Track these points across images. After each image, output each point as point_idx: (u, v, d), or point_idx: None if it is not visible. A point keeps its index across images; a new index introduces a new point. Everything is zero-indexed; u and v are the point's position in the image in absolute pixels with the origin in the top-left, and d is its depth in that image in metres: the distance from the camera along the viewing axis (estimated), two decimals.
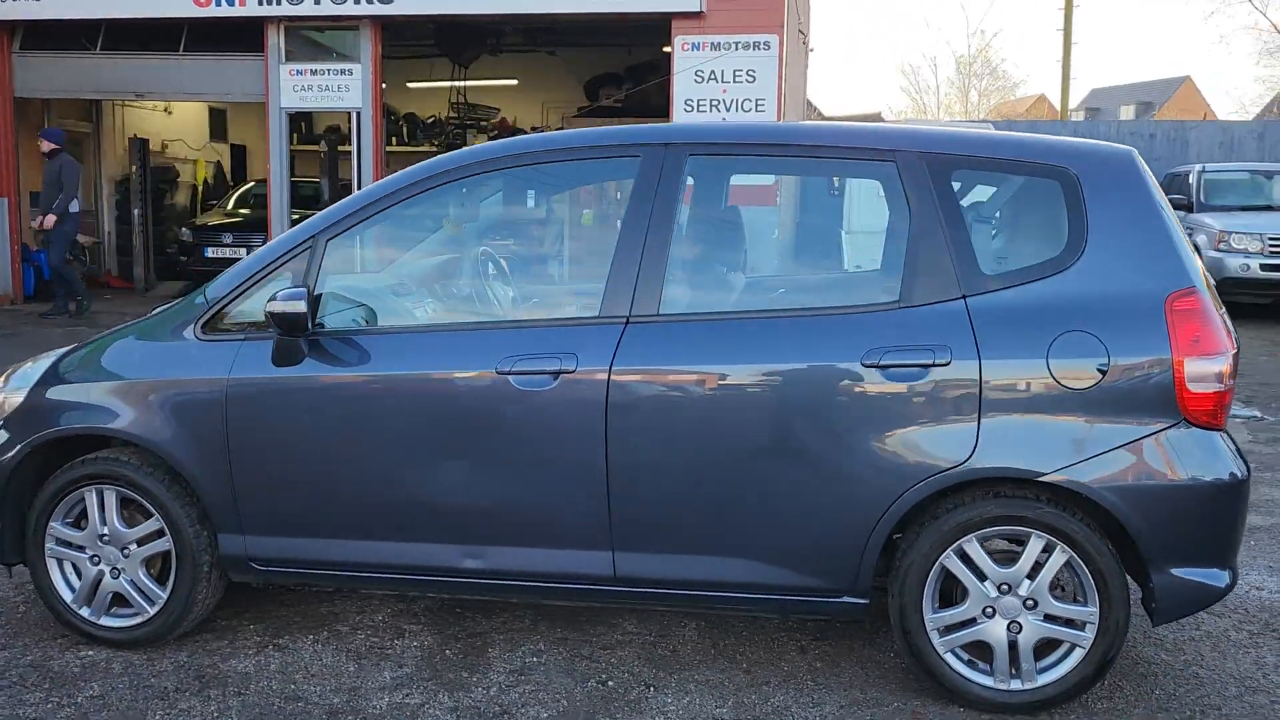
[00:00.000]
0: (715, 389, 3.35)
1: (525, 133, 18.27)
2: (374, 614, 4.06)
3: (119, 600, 3.78)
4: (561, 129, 17.69)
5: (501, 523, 3.48)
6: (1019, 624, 3.28)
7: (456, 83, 18.20)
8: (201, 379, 3.62)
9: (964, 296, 3.27)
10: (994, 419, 3.20)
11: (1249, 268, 12.44)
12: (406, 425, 3.49)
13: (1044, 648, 3.31)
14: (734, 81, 12.00)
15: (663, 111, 12.81)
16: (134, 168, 15.19)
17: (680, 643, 3.83)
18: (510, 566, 3.52)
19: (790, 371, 3.31)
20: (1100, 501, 3.17)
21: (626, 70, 18.16)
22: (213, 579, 3.73)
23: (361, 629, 3.93)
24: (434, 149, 18.37)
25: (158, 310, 3.96)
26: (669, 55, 12.67)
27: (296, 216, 13.79)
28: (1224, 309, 3.32)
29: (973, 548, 3.27)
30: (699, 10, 11.94)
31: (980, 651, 3.34)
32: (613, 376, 3.35)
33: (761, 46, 11.91)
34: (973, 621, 3.31)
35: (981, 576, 3.28)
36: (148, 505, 3.68)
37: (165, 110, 17.09)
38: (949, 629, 3.33)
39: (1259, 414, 7.71)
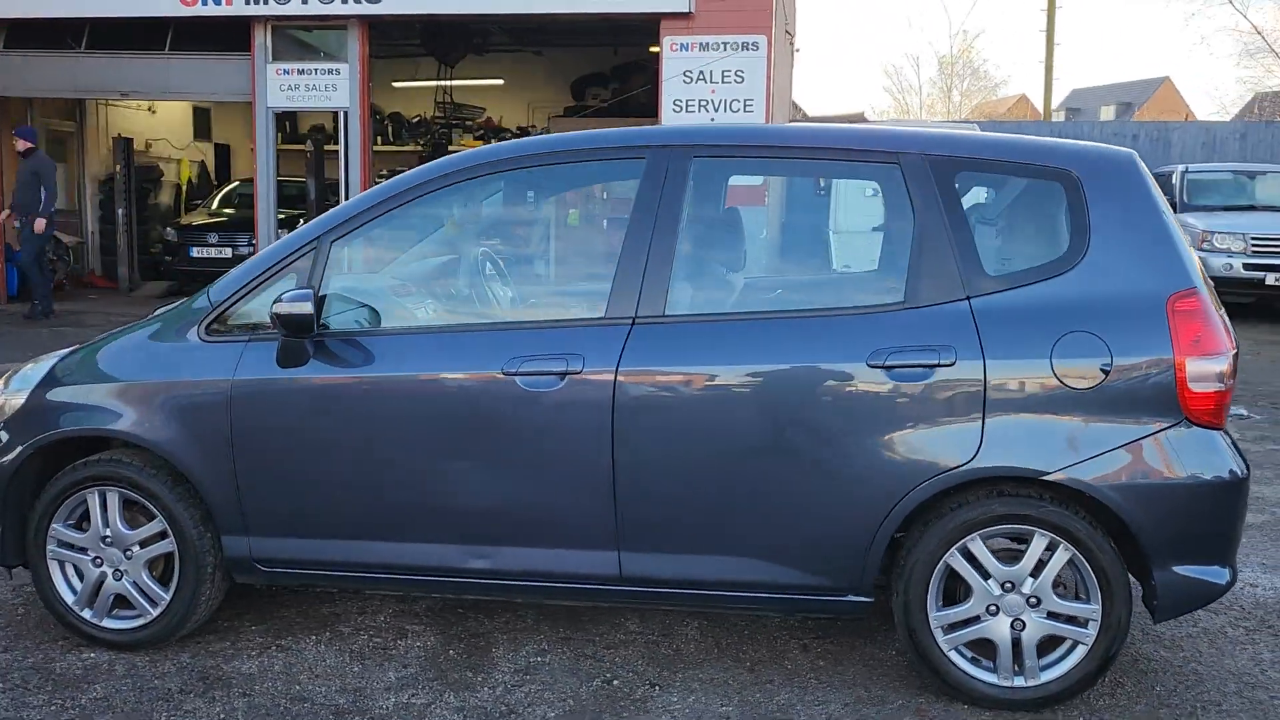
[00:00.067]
0: (721, 389, 3.37)
1: (511, 132, 18.37)
2: (375, 615, 4.06)
3: (121, 602, 3.77)
4: (547, 129, 17.76)
5: (507, 523, 3.49)
6: (1022, 621, 3.31)
7: (442, 82, 18.17)
8: (206, 380, 3.61)
9: (968, 297, 3.30)
10: (998, 419, 3.23)
11: (1232, 267, 12.54)
12: (412, 426, 3.50)
13: (1047, 645, 3.34)
14: (722, 82, 12.03)
15: (649, 112, 12.84)
16: (118, 167, 15.10)
17: (683, 641, 3.84)
18: (516, 566, 3.52)
19: (796, 372, 3.33)
20: (1103, 500, 3.21)
21: (612, 70, 18.17)
22: (216, 580, 3.72)
23: (364, 630, 3.93)
24: (419, 148, 18.34)
25: (159, 311, 3.95)
26: (655, 56, 12.69)
27: (282, 216, 13.75)
28: (1223, 309, 3.36)
29: (977, 546, 3.30)
30: (688, 11, 11.95)
31: (984, 649, 3.37)
32: (619, 377, 3.36)
33: (750, 47, 11.93)
34: (977, 619, 3.34)
35: (985, 575, 3.31)
36: (151, 507, 3.67)
37: (149, 109, 16.99)
38: (953, 627, 3.35)
39: (1245, 412, 7.79)
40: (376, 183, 14.31)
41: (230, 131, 18.96)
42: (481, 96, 18.97)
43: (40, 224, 11.85)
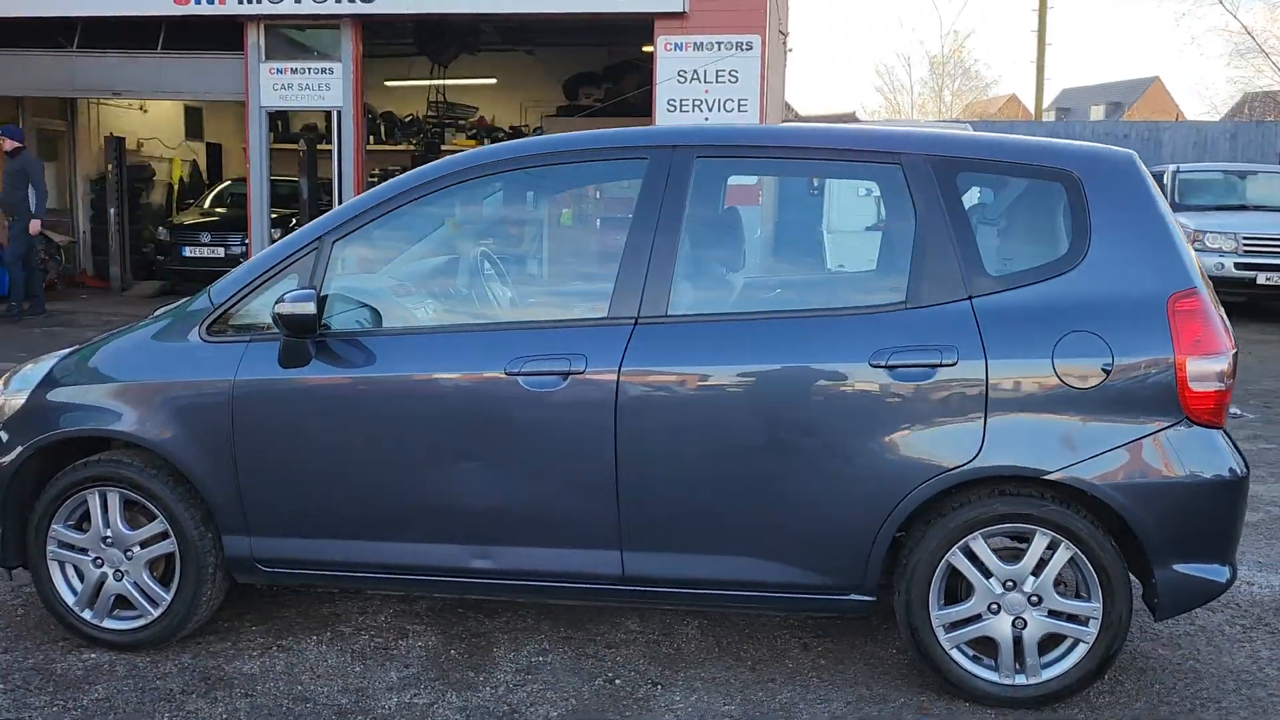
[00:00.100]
0: (724, 389, 3.37)
1: (504, 132, 18.35)
2: (376, 615, 4.06)
3: (121, 603, 3.76)
4: (540, 128, 17.74)
5: (510, 523, 3.49)
6: (1024, 620, 3.32)
7: (435, 81, 18.14)
8: (207, 380, 3.61)
9: (970, 297, 3.31)
10: (1000, 418, 3.25)
11: (1224, 266, 12.60)
12: (414, 426, 3.50)
13: (1048, 643, 3.35)
14: (716, 82, 12.04)
15: (642, 111, 12.83)
16: (110, 166, 15.04)
17: (684, 641, 3.85)
18: (518, 566, 3.53)
19: (798, 372, 3.34)
20: (1105, 499, 3.22)
21: (605, 70, 18.16)
22: (217, 580, 3.72)
23: (365, 630, 3.93)
24: (412, 148, 18.31)
25: (159, 311, 3.95)
26: (648, 55, 12.69)
27: (275, 216, 13.72)
28: (1222, 309, 3.38)
29: (978, 545, 3.31)
30: (682, 10, 11.97)
31: (985, 647, 3.39)
32: (622, 377, 3.37)
33: (744, 47, 11.95)
34: (978, 618, 3.35)
35: (987, 573, 3.33)
36: (151, 507, 3.67)
37: (140, 108, 16.93)
38: (955, 625, 3.37)
39: (1237, 411, 7.82)
40: (369, 182, 14.33)
41: (222, 131, 18.91)
42: (474, 96, 18.95)
43: (35, 225, 11.83)
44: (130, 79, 13.59)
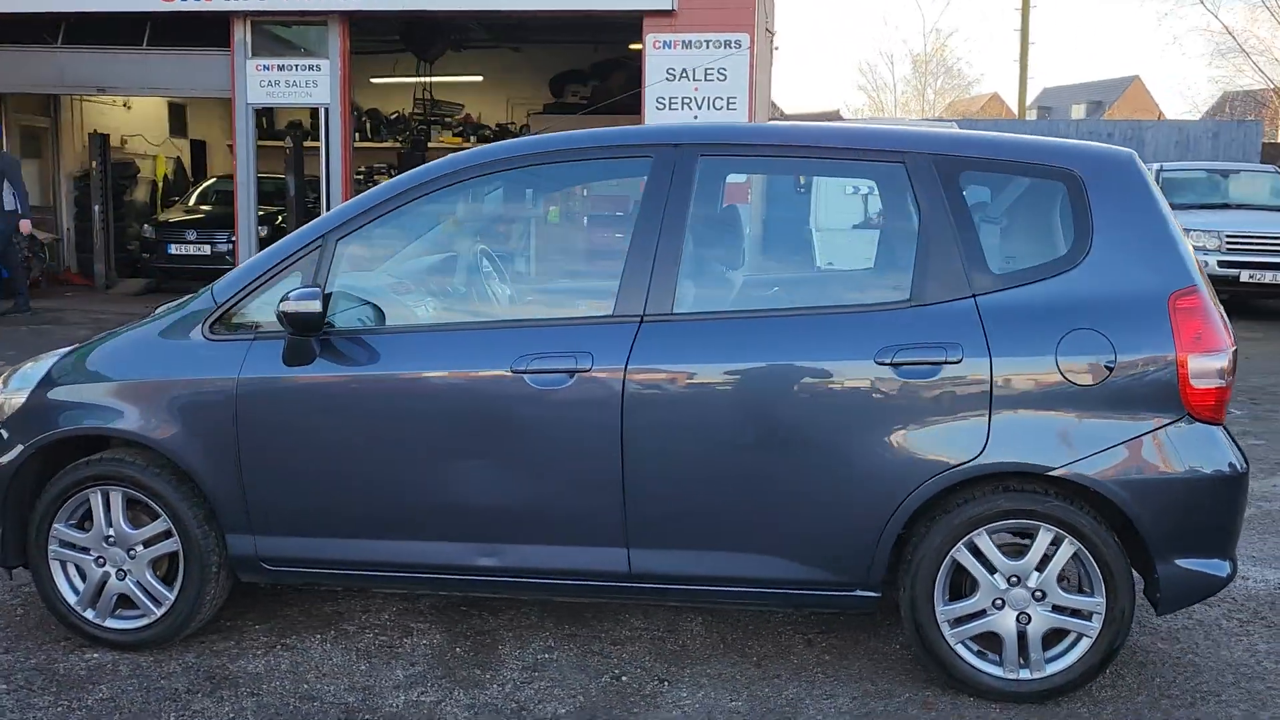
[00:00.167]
0: (730, 387, 3.39)
1: (490, 129, 18.31)
2: (379, 613, 4.06)
3: (124, 602, 3.75)
4: (527, 126, 17.72)
5: (516, 520, 3.50)
6: (1028, 615, 3.35)
7: (421, 79, 18.10)
8: (210, 379, 3.60)
9: (974, 295, 3.33)
10: (1004, 415, 3.27)
11: (1207, 265, 12.70)
12: (420, 424, 3.50)
13: (1052, 638, 3.38)
14: (705, 80, 12.06)
15: (630, 109, 12.84)
16: (94, 163, 14.93)
17: (688, 637, 3.87)
18: (525, 564, 3.53)
19: (804, 369, 3.35)
20: (1108, 495, 3.25)
21: (591, 68, 18.16)
22: (220, 579, 3.71)
23: (369, 628, 3.93)
24: (398, 145, 18.26)
25: (160, 309, 3.93)
26: (635, 53, 12.69)
27: (261, 213, 13.66)
28: (1222, 307, 3.42)
29: (983, 541, 3.34)
30: (670, 9, 11.98)
31: (990, 642, 3.41)
32: (628, 375, 3.38)
33: (733, 45, 11.97)
34: (983, 613, 3.38)
35: (991, 569, 3.35)
36: (154, 506, 3.65)
37: (124, 105, 16.82)
38: (959, 621, 3.39)
39: None
40: (355, 180, 14.29)
41: (206, 128, 18.81)
42: (460, 93, 18.92)
43: (26, 225, 11.75)
44: (116, 75, 13.51)
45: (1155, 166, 14.67)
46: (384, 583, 3.74)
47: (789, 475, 3.36)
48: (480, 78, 18.47)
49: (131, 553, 3.70)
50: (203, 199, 15.99)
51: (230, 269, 13.26)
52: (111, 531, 3.70)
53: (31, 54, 13.40)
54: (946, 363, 3.28)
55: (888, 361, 3.29)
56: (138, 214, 16.58)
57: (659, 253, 3.46)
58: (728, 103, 12.05)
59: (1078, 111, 53.57)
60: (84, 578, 3.76)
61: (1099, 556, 3.29)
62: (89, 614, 3.74)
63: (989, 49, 67.25)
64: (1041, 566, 3.34)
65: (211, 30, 12.91)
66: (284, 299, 3.44)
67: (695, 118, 12.02)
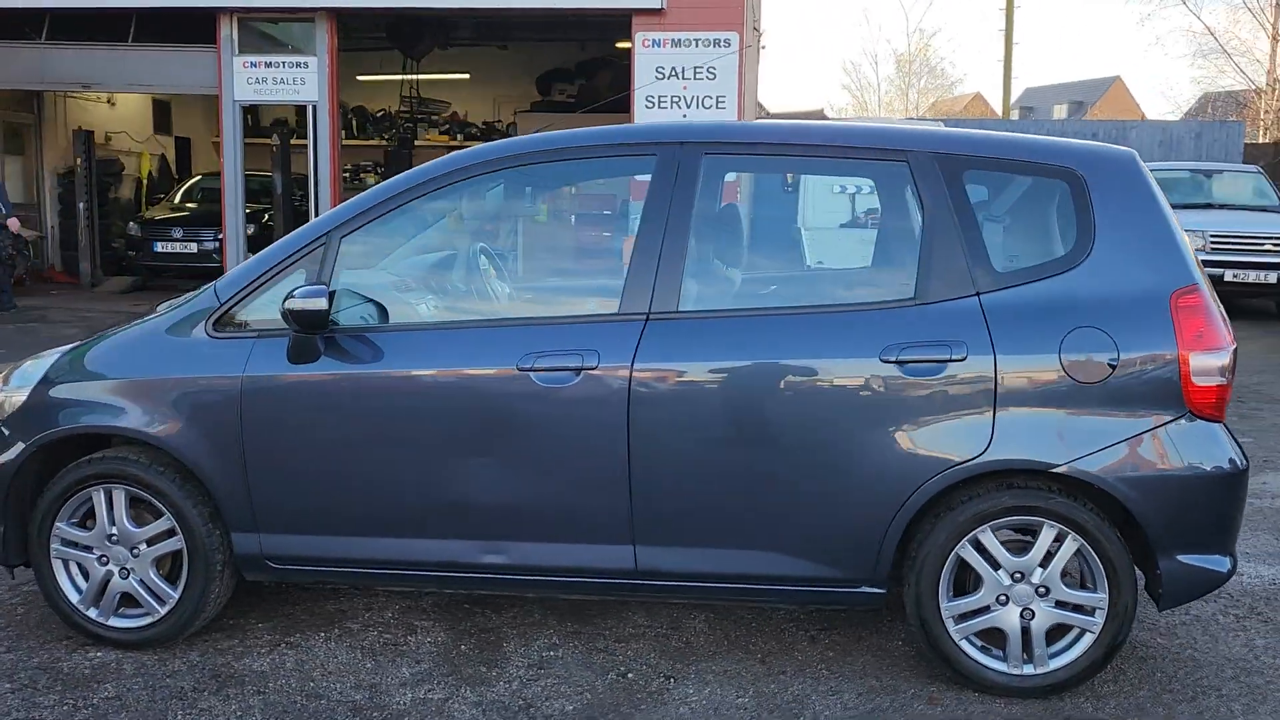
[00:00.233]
0: (736, 384, 3.40)
1: (476, 127, 18.28)
2: (382, 611, 4.06)
3: (127, 600, 3.74)
4: (513, 124, 17.70)
5: (523, 518, 3.50)
6: (1031, 611, 3.38)
7: (408, 76, 18.06)
8: (214, 377, 3.59)
9: (978, 294, 3.36)
10: (1008, 413, 3.30)
11: None
12: (426, 422, 3.50)
13: (1055, 633, 3.41)
14: (694, 78, 12.08)
15: (617, 108, 12.85)
16: (78, 160, 14.85)
17: (692, 634, 3.88)
18: (531, 561, 3.54)
19: (810, 366, 3.37)
20: (1111, 491, 3.28)
21: (577, 66, 18.16)
22: (225, 578, 3.70)
23: (372, 626, 3.93)
24: (384, 143, 18.22)
25: (162, 307, 3.91)
26: (621, 51, 12.69)
27: (248, 211, 13.60)
28: (1221, 305, 3.45)
29: (987, 537, 3.37)
30: (660, 7, 11.99)
31: (994, 638, 3.44)
32: (635, 373, 3.39)
33: (722, 44, 11.99)
34: (987, 609, 3.40)
35: (996, 565, 3.38)
36: (158, 504, 3.64)
37: (108, 102, 16.73)
38: (964, 617, 3.42)
39: None
40: (342, 178, 14.24)
41: (190, 125, 18.73)
42: (447, 91, 18.89)
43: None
44: (101, 72, 13.42)
45: None
46: (389, 581, 3.74)
47: (795, 473, 3.38)
48: (467, 75, 18.44)
49: (135, 551, 3.69)
50: (188, 196, 15.93)
51: (216, 267, 13.26)
52: (115, 530, 3.68)
53: (15, 49, 13.30)
54: (951, 360, 3.30)
55: (893, 359, 3.32)
56: (122, 211, 16.50)
57: (664, 251, 3.47)
58: (716, 101, 12.07)
59: (1060, 111, 53.88)
60: (87, 576, 3.74)
61: (1102, 552, 3.32)
62: (92, 613, 3.73)
63: (972, 49, 67.51)
64: (1045, 563, 3.36)
65: (197, 26, 12.84)
66: (289, 296, 3.44)
67: (684, 116, 12.04)
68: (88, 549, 3.72)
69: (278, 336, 3.56)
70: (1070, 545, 3.34)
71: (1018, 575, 3.37)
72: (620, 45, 14.25)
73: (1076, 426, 3.30)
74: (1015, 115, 45.20)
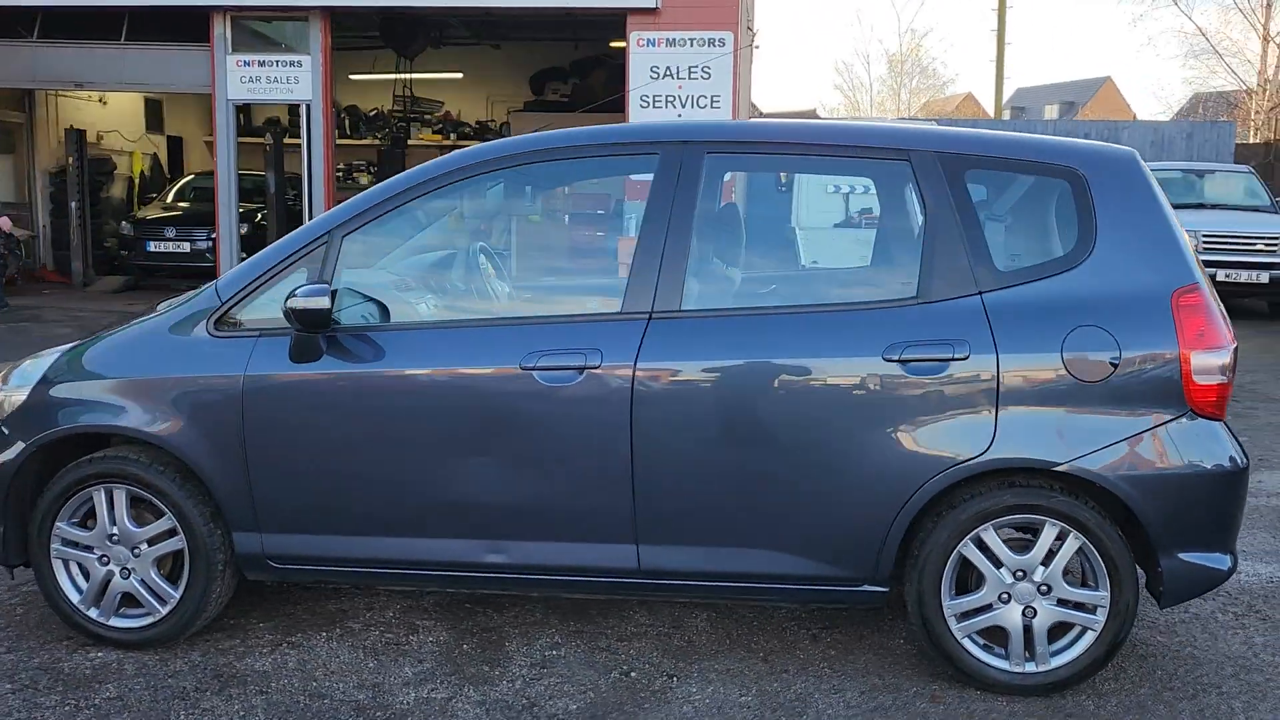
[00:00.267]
0: (737, 383, 3.41)
1: (470, 126, 18.25)
2: (383, 610, 4.05)
3: (128, 601, 3.73)
4: (507, 123, 17.67)
5: (525, 517, 3.50)
6: (1033, 609, 3.39)
7: (401, 76, 18.03)
8: (216, 376, 3.58)
9: (980, 293, 3.37)
10: (1010, 411, 3.31)
11: None
12: (429, 421, 3.50)
13: (1057, 631, 3.43)
14: (689, 78, 12.08)
15: (611, 108, 12.84)
16: (70, 159, 14.80)
17: (694, 633, 3.88)
18: (534, 561, 3.54)
19: (813, 365, 3.38)
20: (1113, 490, 3.30)
21: (571, 65, 18.15)
22: (226, 578, 3.69)
23: (374, 625, 3.92)
24: (377, 142, 18.19)
25: (162, 306, 3.90)
26: (615, 51, 12.68)
27: (241, 211, 13.56)
28: (1222, 304, 3.47)
29: (989, 536, 3.37)
30: (654, 6, 11.99)
31: (996, 636, 3.45)
32: (638, 372, 3.39)
33: (717, 43, 12.00)
34: (989, 607, 3.41)
35: (998, 564, 3.39)
36: (159, 504, 3.63)
37: (100, 101, 16.66)
38: (966, 615, 3.43)
39: None
40: (336, 178, 14.21)
41: (182, 124, 18.67)
42: (440, 90, 18.85)
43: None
44: (93, 70, 13.37)
45: None
46: (392, 580, 3.74)
47: (797, 471, 3.38)
48: (460, 75, 18.42)
49: (136, 551, 3.68)
50: (180, 196, 15.88)
51: (209, 266, 13.20)
52: (115, 530, 3.67)
53: (6, 48, 13.24)
54: (954, 359, 3.31)
55: (896, 358, 3.32)
56: (114, 211, 16.45)
57: (666, 249, 3.47)
58: (711, 101, 12.08)
59: (1050, 112, 53.97)
60: (87, 576, 3.73)
61: (1104, 551, 3.33)
62: (92, 613, 3.72)
63: (964, 49, 67.64)
64: (1047, 561, 3.38)
65: (190, 25, 12.80)
66: (291, 295, 3.43)
67: (679, 116, 12.04)
68: (88, 549, 3.71)
69: (279, 336, 3.56)
70: (1072, 543, 3.35)
71: (1020, 573, 3.38)
72: (614, 45, 14.24)
73: (1078, 425, 3.31)
74: (1007, 115, 45.32)
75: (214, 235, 13.53)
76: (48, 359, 3.84)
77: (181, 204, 15.49)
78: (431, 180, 3.67)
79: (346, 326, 3.55)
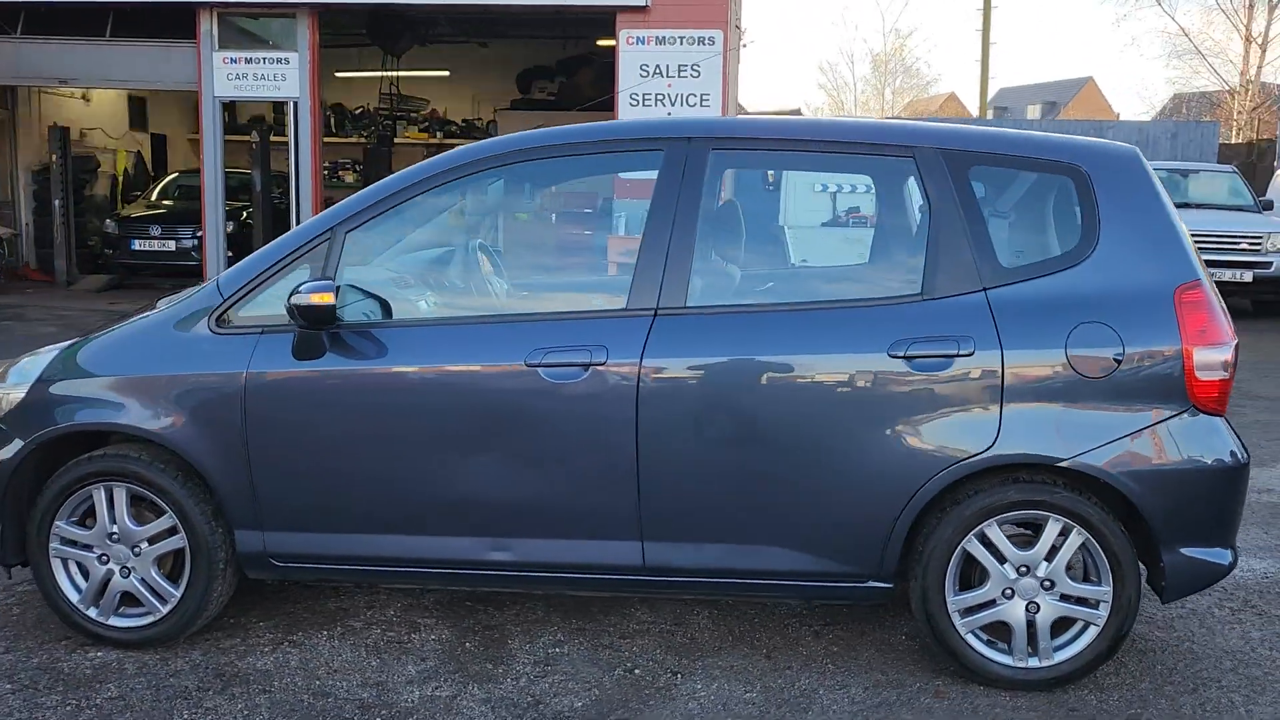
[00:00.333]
0: (745, 380, 3.41)
1: (456, 125, 18.20)
2: (384, 609, 4.04)
3: (127, 600, 3.70)
4: (494, 122, 17.64)
5: (530, 514, 3.49)
6: (1037, 604, 3.40)
7: (387, 73, 17.96)
8: (217, 373, 3.56)
9: (984, 289, 3.38)
10: (1015, 407, 3.32)
11: None
12: (433, 418, 3.48)
13: (1059, 626, 3.44)
14: (679, 76, 12.09)
15: (598, 106, 12.84)
16: (54, 157, 14.67)
17: (697, 630, 3.88)
18: (538, 558, 3.53)
19: (818, 362, 3.38)
20: (1116, 485, 3.31)
21: (558, 64, 18.13)
22: (227, 576, 3.67)
23: (375, 624, 3.90)
24: (363, 140, 18.12)
25: (162, 303, 3.88)
26: (602, 49, 12.66)
27: (227, 209, 13.49)
28: (1223, 300, 3.49)
29: (993, 532, 3.39)
30: (644, 4, 11.98)
31: (999, 631, 3.46)
32: (643, 368, 3.39)
33: (706, 42, 12.00)
34: (992, 603, 3.42)
35: (1001, 559, 3.40)
36: (160, 502, 3.61)
37: (83, 98, 16.54)
38: (969, 610, 3.44)
39: None
40: (323, 175, 14.14)
41: (166, 121, 18.55)
42: (426, 88, 18.80)
43: None
44: (78, 67, 13.27)
45: None
46: (394, 578, 3.73)
47: (802, 468, 3.38)
48: (447, 73, 18.37)
49: (136, 550, 3.65)
50: (165, 194, 15.78)
51: (195, 265, 13.12)
52: (115, 528, 3.64)
53: None
54: (959, 355, 3.32)
55: (901, 355, 3.33)
56: (98, 209, 16.32)
57: (672, 246, 3.47)
58: (701, 99, 12.09)
59: (1033, 112, 54.24)
60: (86, 576, 3.70)
61: (1106, 546, 3.35)
62: (92, 612, 3.69)
63: (947, 50, 67.85)
64: (1050, 556, 3.39)
65: (177, 22, 12.72)
66: (295, 291, 3.41)
67: (669, 114, 12.04)
68: (88, 548, 3.68)
69: (282, 332, 3.54)
70: (1075, 539, 3.36)
71: (1023, 569, 3.40)
72: (601, 43, 14.24)
73: (1081, 421, 3.32)
74: (990, 115, 45.52)
75: (199, 233, 13.45)
76: (46, 356, 3.81)
77: (166, 202, 15.39)
78: (434, 177, 3.65)
79: (350, 323, 3.53)
